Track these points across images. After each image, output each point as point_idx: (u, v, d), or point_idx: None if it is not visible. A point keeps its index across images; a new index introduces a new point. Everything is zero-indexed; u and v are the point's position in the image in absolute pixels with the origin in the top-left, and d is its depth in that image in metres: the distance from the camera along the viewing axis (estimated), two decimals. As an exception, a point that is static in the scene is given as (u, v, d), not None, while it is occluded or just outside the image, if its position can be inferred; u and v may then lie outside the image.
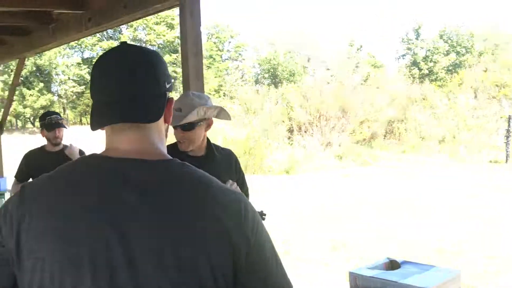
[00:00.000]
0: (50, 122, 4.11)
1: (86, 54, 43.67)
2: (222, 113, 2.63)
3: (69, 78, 42.40)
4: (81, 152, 4.10)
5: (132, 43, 1.21)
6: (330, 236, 7.50)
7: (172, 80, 1.22)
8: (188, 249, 1.02)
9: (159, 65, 1.15)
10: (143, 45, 36.17)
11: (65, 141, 4.29)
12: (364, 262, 1.68)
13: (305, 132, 21.71)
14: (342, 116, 22.09)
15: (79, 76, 41.93)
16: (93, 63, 1.18)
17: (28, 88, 39.03)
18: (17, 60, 5.41)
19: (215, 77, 40.09)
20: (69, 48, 42.01)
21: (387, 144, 22.12)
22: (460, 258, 6.19)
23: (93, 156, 1.14)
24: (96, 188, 1.06)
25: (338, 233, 7.66)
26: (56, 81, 42.96)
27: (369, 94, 24.14)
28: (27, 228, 1.04)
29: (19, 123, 43.87)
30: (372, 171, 15.76)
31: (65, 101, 44.15)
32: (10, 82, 6.04)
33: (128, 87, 1.10)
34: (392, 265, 1.79)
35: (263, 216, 2.43)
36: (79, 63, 42.49)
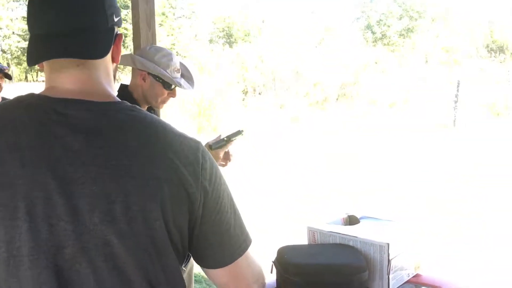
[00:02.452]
0: None
1: (32, 8, 41.50)
2: None
3: (13, 32, 40.38)
4: None
5: None
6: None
7: (121, 14, 1.09)
8: (139, 198, 0.91)
9: None
10: None
11: (7, 96, 4.04)
12: (322, 217, 1.66)
13: (259, 94, 21.63)
14: (296, 78, 22.10)
15: (24, 30, 39.92)
16: None
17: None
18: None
19: (168, 35, 39.09)
20: (14, 1, 39.87)
21: (339, 107, 22.32)
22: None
23: (31, 95, 1.00)
24: (33, 129, 0.92)
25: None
26: (0, 36, 40.86)
27: (323, 57, 24.19)
28: None
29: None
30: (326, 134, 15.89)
31: (9, 56, 42.12)
32: None
33: (72, 18, 0.96)
34: (351, 220, 1.75)
35: (242, 133, 2.34)
36: (24, 17, 40.44)
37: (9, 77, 4.09)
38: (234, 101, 19.44)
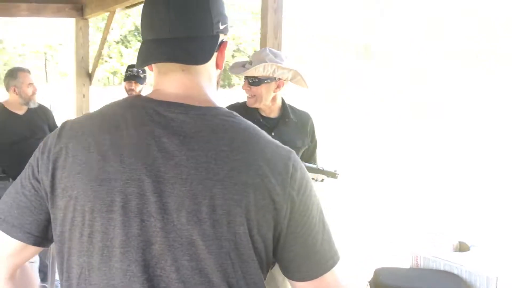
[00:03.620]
0: (130, 73, 4.18)
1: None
2: (297, 78, 2.49)
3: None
4: None
5: None
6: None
7: (228, 22, 1.13)
8: (226, 202, 0.94)
9: (214, 3, 1.05)
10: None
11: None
12: (429, 240, 1.56)
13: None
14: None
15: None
16: None
17: (126, 47, 40.61)
18: (108, 13, 5.54)
19: (292, 46, 39.36)
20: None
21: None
22: None
23: (138, 97, 1.08)
24: (135, 130, 1.00)
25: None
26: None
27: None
28: (63, 164, 1.00)
29: (117, 80, 45.92)
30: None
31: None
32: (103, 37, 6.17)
33: (178, 24, 1.02)
34: (461, 247, 1.63)
35: (336, 175, 2.31)
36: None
37: (140, 82, 4.42)
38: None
